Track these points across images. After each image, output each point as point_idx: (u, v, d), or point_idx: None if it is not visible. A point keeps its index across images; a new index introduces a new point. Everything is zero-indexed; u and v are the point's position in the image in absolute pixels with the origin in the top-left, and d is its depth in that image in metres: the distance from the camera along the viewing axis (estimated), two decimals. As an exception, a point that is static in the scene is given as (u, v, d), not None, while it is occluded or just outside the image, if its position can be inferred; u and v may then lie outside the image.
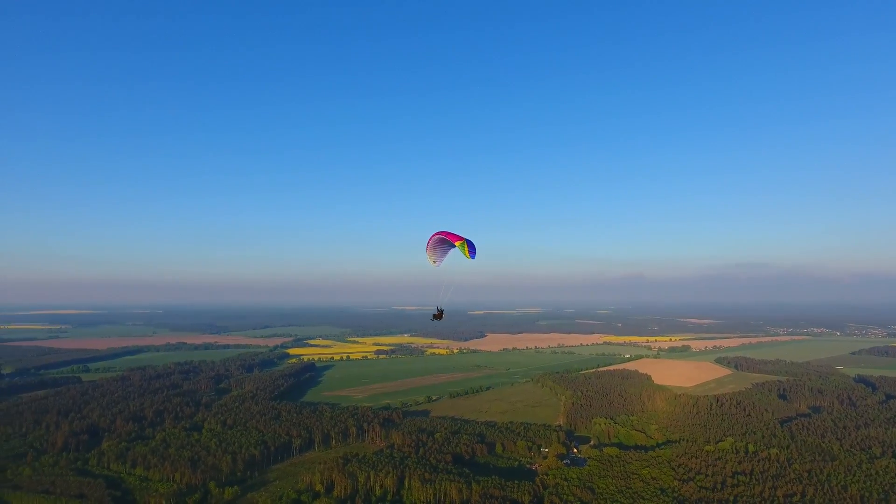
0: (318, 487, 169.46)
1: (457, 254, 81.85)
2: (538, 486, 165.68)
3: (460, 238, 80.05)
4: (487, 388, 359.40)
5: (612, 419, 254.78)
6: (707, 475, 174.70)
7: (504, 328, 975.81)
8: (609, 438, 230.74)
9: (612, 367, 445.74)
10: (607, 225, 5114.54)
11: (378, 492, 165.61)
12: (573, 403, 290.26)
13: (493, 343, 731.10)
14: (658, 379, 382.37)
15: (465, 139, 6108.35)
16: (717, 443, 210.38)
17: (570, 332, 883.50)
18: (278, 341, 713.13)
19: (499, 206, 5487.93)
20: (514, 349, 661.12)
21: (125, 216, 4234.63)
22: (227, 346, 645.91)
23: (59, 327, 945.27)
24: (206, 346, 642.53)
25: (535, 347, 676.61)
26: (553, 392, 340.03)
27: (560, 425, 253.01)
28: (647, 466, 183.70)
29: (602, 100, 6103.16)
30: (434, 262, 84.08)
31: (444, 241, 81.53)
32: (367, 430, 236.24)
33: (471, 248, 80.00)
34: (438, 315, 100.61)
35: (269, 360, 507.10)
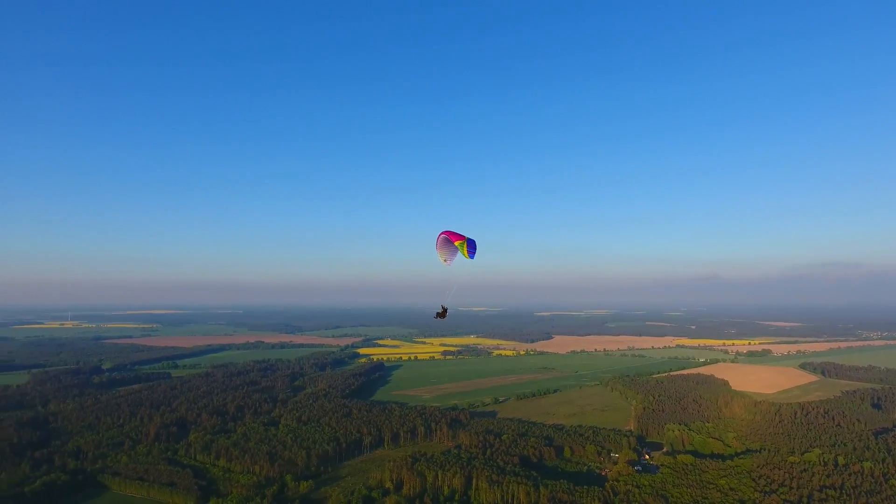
0: (388, 485, 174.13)
1: (479, 252, 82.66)
2: (608, 493, 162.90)
3: (461, 238, 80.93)
4: (555, 391, 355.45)
5: (686, 425, 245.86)
6: (791, 488, 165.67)
7: (571, 330, 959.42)
8: (683, 445, 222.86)
9: (685, 372, 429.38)
10: (678, 223, 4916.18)
11: (446, 491, 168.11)
12: (644, 408, 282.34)
13: (560, 345, 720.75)
14: (736, 384, 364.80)
15: (528, 138, 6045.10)
16: (802, 454, 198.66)
17: (640, 335, 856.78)
18: (349, 341, 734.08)
19: (564, 205, 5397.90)
20: (581, 351, 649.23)
21: (211, 224, 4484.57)
22: (301, 346, 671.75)
23: (151, 326, 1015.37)
24: (282, 346, 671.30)
25: (604, 350, 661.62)
26: (623, 396, 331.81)
27: (630, 430, 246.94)
28: (725, 476, 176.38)
29: (672, 93, 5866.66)
30: (444, 260, 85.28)
31: (449, 241, 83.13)
32: (435, 430, 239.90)
33: (470, 249, 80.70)
34: (442, 314, 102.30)
35: (341, 360, 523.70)
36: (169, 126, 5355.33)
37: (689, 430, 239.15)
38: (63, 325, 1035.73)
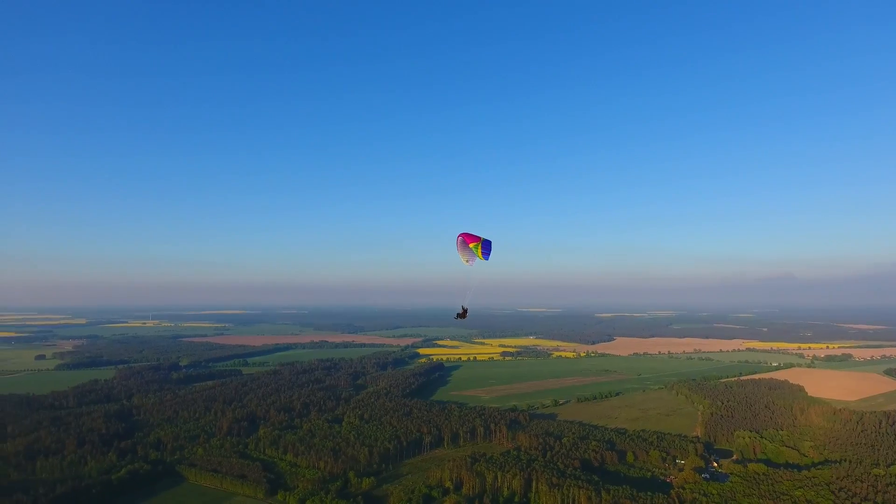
0: (448, 484, 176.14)
1: (494, 253, 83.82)
2: (673, 500, 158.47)
3: (476, 240, 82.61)
4: (617, 394, 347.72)
5: (757, 433, 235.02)
6: (876, 503, 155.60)
7: (634, 332, 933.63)
8: (754, 454, 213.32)
9: (756, 376, 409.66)
10: (750, 220, 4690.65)
11: (505, 493, 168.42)
12: (712, 414, 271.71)
13: (622, 347, 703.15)
14: (813, 391, 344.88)
15: (591, 134, 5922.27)
16: (888, 466, 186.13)
17: (707, 337, 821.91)
18: (409, 341, 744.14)
19: (625, 204, 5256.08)
20: (644, 354, 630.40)
21: (278, 229, 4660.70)
22: (363, 345, 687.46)
23: (223, 326, 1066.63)
24: (345, 345, 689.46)
25: (669, 353, 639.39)
26: (689, 401, 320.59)
27: (697, 436, 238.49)
28: (801, 488, 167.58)
29: (746, 81, 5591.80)
30: (466, 261, 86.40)
31: (465, 243, 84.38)
32: (494, 431, 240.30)
33: (485, 251, 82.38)
34: (462, 314, 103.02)
35: (401, 359, 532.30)
36: (234, 132, 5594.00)
37: (761, 437, 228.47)
38: (145, 324, 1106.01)
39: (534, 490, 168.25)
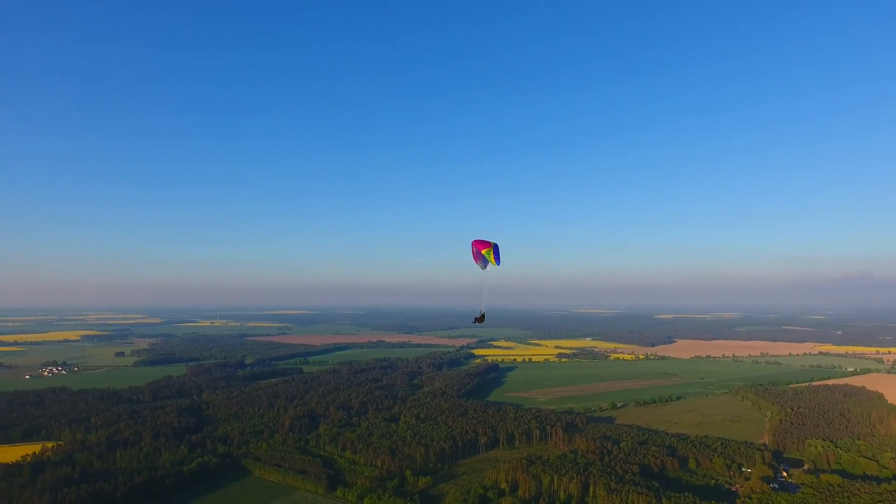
0: (503, 486, 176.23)
1: (504, 260, 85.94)
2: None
3: (487, 245, 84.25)
4: (678, 398, 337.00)
5: (831, 442, 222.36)
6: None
7: (696, 334, 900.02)
8: (828, 464, 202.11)
9: (830, 382, 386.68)
10: (823, 217, 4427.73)
11: (562, 496, 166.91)
12: (781, 421, 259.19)
13: (683, 350, 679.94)
14: (893, 398, 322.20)
15: (648, 129, 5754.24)
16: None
17: (775, 340, 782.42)
18: (464, 342, 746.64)
19: (688, 200, 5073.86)
20: (707, 357, 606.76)
21: (338, 231, 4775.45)
22: (418, 345, 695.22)
23: (285, 326, 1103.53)
24: (402, 345, 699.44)
25: (733, 356, 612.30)
26: (756, 406, 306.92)
27: (765, 444, 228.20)
28: (881, 502, 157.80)
29: (807, 73, 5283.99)
30: (483, 267, 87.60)
31: (478, 251, 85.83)
32: (551, 433, 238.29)
33: (496, 255, 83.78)
34: (480, 318, 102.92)
35: (457, 360, 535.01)
36: (294, 140, 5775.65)
37: (836, 447, 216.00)
38: (213, 323, 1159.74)
39: (591, 494, 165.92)
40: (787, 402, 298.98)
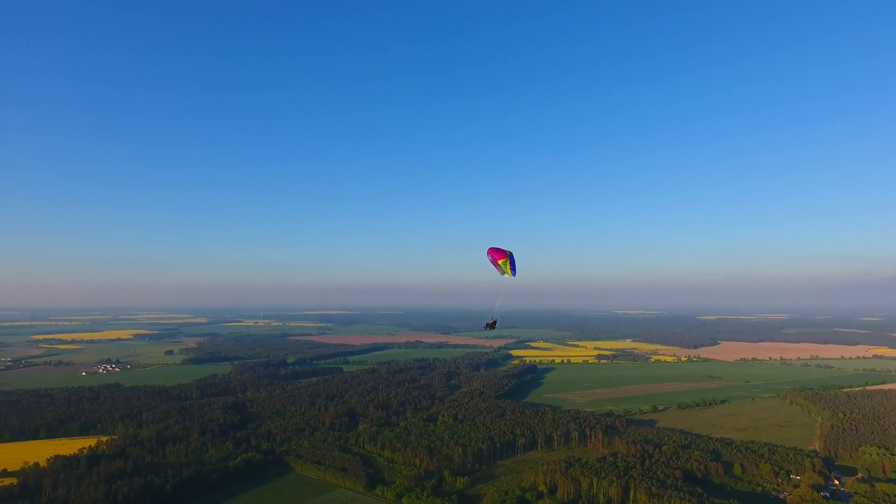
0: (542, 488, 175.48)
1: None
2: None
3: (504, 255, 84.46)
4: (722, 402, 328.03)
5: (887, 449, 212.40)
6: None
7: (741, 335, 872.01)
8: (884, 472, 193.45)
9: (886, 387, 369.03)
10: (874, 214, 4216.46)
11: (601, 500, 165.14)
12: (832, 426, 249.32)
13: (727, 352, 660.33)
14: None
15: (692, 124, 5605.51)
16: None
17: (825, 343, 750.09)
18: (502, 342, 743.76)
19: (733, 198, 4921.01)
20: (753, 359, 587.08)
21: (375, 232, 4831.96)
22: (456, 346, 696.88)
23: (326, 325, 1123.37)
24: (439, 345, 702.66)
25: (781, 359, 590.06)
26: (805, 411, 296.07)
27: (815, 451, 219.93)
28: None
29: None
30: (502, 273, 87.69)
31: (494, 260, 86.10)
32: (590, 436, 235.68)
33: (512, 267, 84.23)
34: (492, 324, 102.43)
35: (494, 360, 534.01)
36: (340, 141, 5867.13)
37: (892, 454, 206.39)
38: (257, 323, 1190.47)
39: (631, 499, 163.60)
40: (840, 407, 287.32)
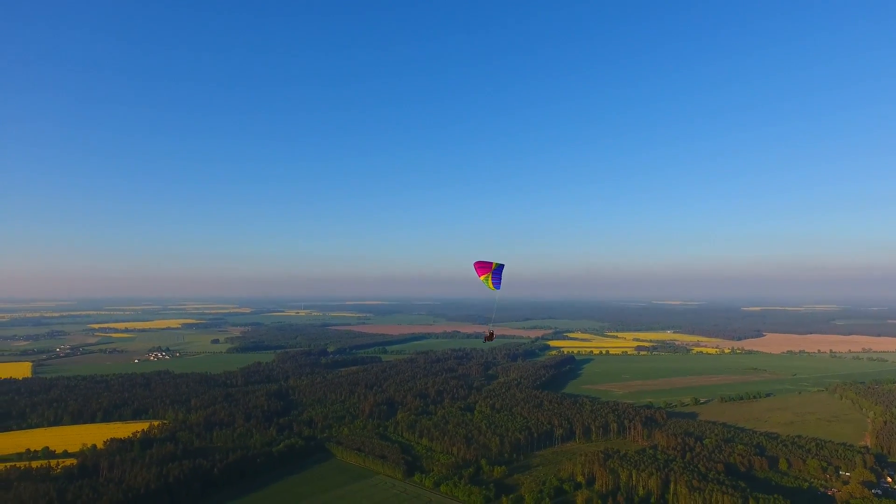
0: (580, 479, 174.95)
1: (507, 272, 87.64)
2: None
3: (486, 271, 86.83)
4: (767, 395, 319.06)
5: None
6: None
7: (788, 327, 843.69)
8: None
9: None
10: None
11: (641, 492, 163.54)
12: (885, 422, 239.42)
13: (773, 344, 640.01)
14: None
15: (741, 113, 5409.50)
16: None
17: (879, 335, 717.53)
18: (539, 333, 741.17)
19: (778, 186, 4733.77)
20: (800, 352, 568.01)
21: (415, 225, 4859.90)
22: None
23: (365, 315, 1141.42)
24: (476, 335, 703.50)
25: (831, 351, 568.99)
26: (856, 406, 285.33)
27: (866, 447, 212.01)
28: None
29: None
30: (493, 287, 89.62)
31: (479, 275, 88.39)
32: (629, 428, 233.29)
33: (495, 280, 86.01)
34: (489, 337, 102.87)
35: (531, 351, 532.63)
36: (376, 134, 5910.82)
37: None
38: (298, 313, 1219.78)
39: (671, 492, 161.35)
40: (894, 401, 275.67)
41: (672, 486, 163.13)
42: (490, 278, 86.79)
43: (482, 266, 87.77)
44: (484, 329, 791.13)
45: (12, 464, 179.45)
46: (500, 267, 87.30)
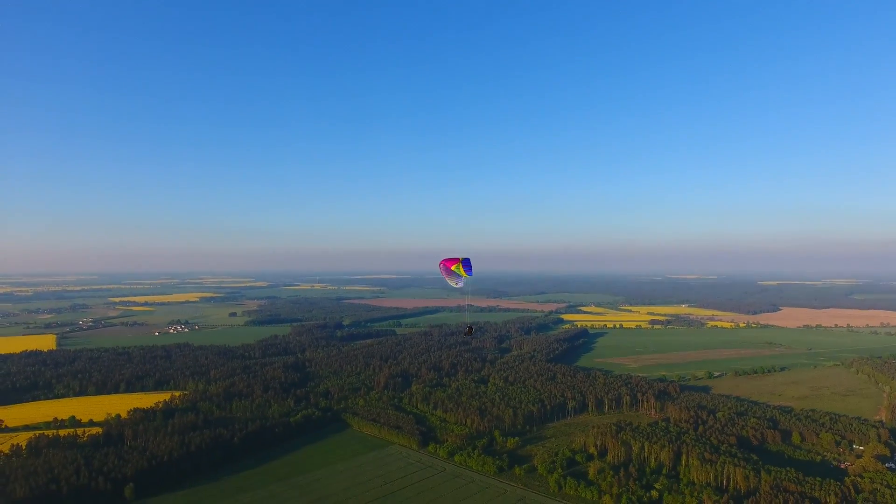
0: (592, 450, 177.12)
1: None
2: (848, 489, 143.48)
3: (456, 261, 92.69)
4: (781, 369, 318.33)
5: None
6: None
7: (804, 301, 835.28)
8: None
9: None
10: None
11: (653, 464, 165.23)
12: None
13: (789, 318, 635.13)
14: None
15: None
16: None
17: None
18: (553, 307, 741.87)
19: (797, 159, 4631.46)
20: (817, 326, 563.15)
21: (428, 200, 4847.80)
22: (507, 310, 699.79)
23: (379, 289, 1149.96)
24: (490, 309, 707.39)
25: (848, 326, 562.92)
26: (872, 380, 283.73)
27: (881, 421, 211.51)
28: None
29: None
30: (455, 284, 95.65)
31: (447, 269, 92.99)
32: (641, 401, 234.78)
33: (466, 267, 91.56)
34: (468, 331, 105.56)
35: (545, 325, 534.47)
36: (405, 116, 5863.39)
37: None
38: (313, 286, 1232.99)
39: (683, 464, 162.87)
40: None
41: (684, 458, 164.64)
42: (461, 266, 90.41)
43: (450, 260, 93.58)
44: (496, 303, 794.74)
45: (41, 432, 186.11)
46: (468, 259, 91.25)
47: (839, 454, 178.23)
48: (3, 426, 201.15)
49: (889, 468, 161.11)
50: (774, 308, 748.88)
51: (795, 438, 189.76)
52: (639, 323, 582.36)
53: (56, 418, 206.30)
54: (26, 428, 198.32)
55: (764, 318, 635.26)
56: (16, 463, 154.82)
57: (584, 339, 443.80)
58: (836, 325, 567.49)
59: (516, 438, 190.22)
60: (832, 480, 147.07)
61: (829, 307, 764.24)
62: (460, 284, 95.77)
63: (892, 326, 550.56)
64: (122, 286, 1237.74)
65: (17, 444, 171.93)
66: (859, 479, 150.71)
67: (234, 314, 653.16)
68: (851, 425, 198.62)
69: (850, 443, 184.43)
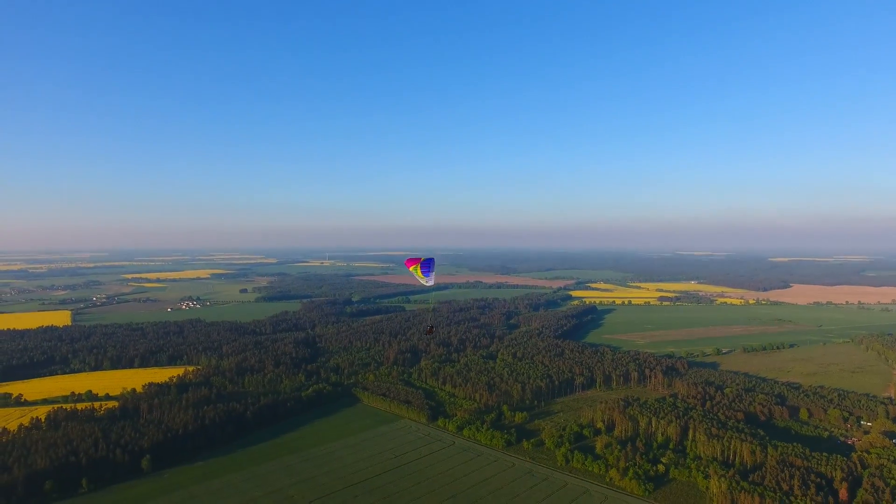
0: (599, 425, 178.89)
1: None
2: (855, 464, 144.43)
3: (416, 262, 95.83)
4: (791, 346, 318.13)
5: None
6: None
7: (815, 278, 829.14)
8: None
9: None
10: None
11: (660, 438, 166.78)
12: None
13: (799, 295, 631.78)
14: None
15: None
16: None
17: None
18: (561, 283, 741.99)
19: (810, 136, 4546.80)
20: (828, 303, 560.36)
21: (440, 176, 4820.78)
22: (515, 286, 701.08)
23: (388, 266, 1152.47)
24: (499, 286, 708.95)
25: (859, 303, 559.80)
26: (882, 357, 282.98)
27: (890, 397, 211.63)
28: None
29: None
30: (426, 282, 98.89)
31: (413, 266, 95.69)
32: (649, 376, 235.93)
33: (425, 269, 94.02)
34: (429, 331, 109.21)
35: (553, 301, 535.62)
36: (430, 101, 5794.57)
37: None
38: (323, 263, 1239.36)
39: (690, 438, 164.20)
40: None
41: (691, 433, 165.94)
42: (419, 268, 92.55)
43: (411, 261, 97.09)
44: (504, 279, 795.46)
45: (59, 405, 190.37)
46: (430, 260, 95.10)
47: (847, 430, 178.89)
48: (22, 400, 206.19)
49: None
50: (785, 285, 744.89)
51: (803, 414, 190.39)
52: (648, 300, 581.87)
53: (73, 392, 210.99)
54: (45, 402, 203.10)
55: (774, 295, 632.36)
56: (36, 435, 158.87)
57: (592, 316, 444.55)
58: (846, 302, 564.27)
59: (524, 413, 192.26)
60: (839, 456, 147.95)
61: (840, 284, 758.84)
62: (430, 283, 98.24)
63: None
64: (135, 263, 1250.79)
65: (37, 417, 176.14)
66: (866, 455, 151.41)
67: (244, 290, 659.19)
68: (860, 402, 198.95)
69: (858, 419, 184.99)
